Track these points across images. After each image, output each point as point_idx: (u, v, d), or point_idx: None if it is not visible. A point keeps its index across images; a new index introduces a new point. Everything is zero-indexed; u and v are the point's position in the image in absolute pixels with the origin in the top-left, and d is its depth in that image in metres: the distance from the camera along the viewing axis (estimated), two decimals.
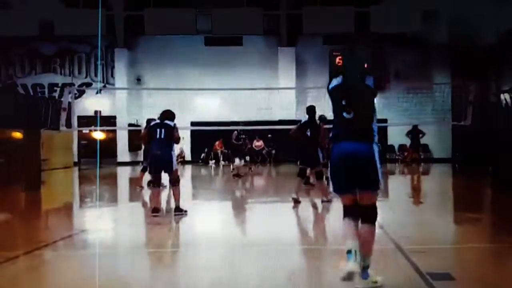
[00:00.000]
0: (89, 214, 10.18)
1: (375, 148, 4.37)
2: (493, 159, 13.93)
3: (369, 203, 4.41)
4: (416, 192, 10.62)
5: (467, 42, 21.43)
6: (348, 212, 4.45)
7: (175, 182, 8.94)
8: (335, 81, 4.57)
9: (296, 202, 9.90)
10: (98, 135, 20.60)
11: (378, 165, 4.37)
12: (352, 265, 4.13)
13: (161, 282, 4.97)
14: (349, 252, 4.19)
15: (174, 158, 8.97)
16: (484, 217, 9.13)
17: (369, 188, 4.41)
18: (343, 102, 4.42)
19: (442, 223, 8.40)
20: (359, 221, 4.40)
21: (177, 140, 8.95)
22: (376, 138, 4.41)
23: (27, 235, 7.45)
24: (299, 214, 9.50)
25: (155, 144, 8.85)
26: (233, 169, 17.75)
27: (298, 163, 10.52)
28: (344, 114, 4.41)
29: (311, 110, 10.21)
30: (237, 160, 16.95)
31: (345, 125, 4.42)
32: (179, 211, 8.71)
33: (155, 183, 9.09)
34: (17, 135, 14.55)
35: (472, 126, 15.01)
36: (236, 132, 17.15)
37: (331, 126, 4.81)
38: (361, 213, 4.41)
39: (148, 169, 10.35)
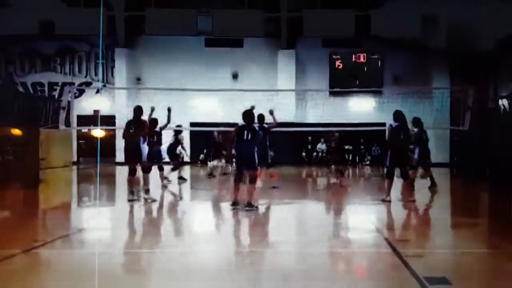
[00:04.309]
0: (87, 213, 10.17)
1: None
2: (491, 164, 13.96)
3: None
4: (413, 196, 10.66)
5: (466, 47, 21.50)
6: None
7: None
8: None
9: (386, 201, 10.27)
10: (98, 132, 20.65)
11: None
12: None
13: (156, 282, 4.97)
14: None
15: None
16: (481, 221, 9.15)
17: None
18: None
19: (439, 227, 8.43)
20: None
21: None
22: None
23: (24, 233, 7.44)
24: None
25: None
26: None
27: (388, 164, 10.66)
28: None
29: (402, 115, 10.41)
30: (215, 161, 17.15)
31: None
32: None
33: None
34: (16, 133, 14.55)
35: (470, 131, 15.07)
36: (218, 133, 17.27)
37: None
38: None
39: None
